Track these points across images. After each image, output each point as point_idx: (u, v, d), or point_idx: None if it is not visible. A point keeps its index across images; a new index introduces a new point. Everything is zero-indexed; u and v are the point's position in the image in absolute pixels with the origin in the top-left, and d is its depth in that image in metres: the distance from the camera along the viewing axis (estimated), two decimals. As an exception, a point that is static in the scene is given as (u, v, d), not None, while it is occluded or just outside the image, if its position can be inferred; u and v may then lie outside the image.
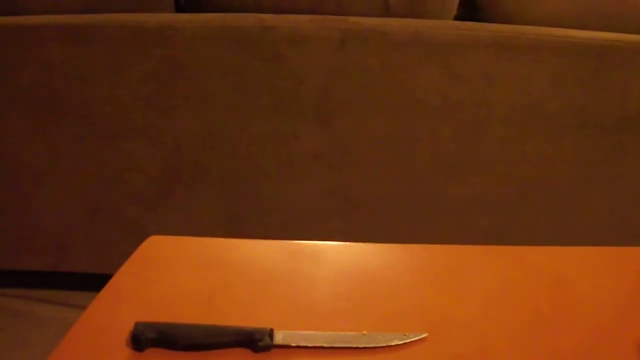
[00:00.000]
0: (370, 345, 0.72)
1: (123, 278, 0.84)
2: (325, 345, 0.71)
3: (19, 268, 1.78)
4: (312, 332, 0.73)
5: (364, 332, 0.74)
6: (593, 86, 1.52)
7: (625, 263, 0.94)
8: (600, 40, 1.49)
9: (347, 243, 0.94)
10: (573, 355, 0.72)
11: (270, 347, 0.71)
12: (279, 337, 0.72)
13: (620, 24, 1.55)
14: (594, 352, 0.73)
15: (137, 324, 0.71)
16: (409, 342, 0.73)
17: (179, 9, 1.59)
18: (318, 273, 0.87)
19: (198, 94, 1.54)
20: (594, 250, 0.97)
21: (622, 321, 0.79)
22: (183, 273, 0.86)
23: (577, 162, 1.59)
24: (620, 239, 1.67)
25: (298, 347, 0.71)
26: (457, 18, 1.59)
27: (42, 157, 1.61)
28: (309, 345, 0.71)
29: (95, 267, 1.74)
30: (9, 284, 1.85)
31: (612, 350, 0.74)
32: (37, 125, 1.58)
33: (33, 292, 1.83)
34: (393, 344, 0.72)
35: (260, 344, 0.70)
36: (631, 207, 1.64)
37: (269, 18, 1.49)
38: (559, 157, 1.58)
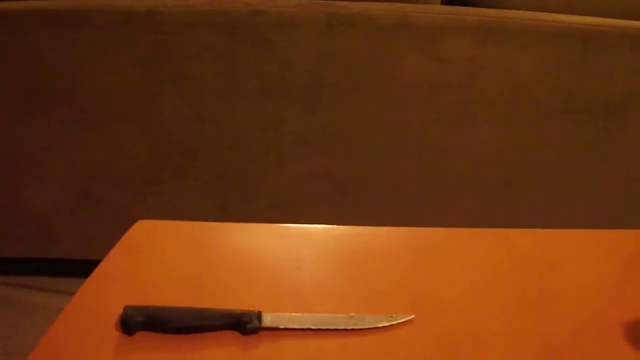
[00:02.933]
0: (358, 327, 0.73)
1: (112, 262, 0.84)
2: (313, 327, 0.72)
3: (7, 255, 1.77)
4: (300, 314, 0.74)
5: (352, 314, 0.74)
6: (579, 71, 1.53)
7: (611, 245, 0.95)
8: (586, 25, 1.50)
9: (335, 226, 0.95)
10: (560, 336, 0.73)
11: (258, 329, 0.71)
12: (267, 320, 0.72)
13: (607, 8, 1.56)
14: (580, 333, 0.74)
15: (126, 308, 0.72)
16: (396, 324, 0.74)
17: (166, -6, 1.59)
18: (306, 256, 0.88)
19: (186, 79, 1.53)
20: (581, 233, 0.98)
21: (609, 303, 0.80)
22: (172, 257, 0.86)
23: (564, 146, 1.60)
24: (606, 222, 1.69)
25: (286, 329, 0.72)
26: (444, 2, 1.59)
27: (29, 143, 1.61)
28: (297, 327, 0.72)
29: (83, 253, 1.74)
30: (-3, 271, 1.85)
31: (599, 332, 0.74)
32: (24, 112, 1.57)
33: (21, 279, 1.83)
34: (380, 325, 0.73)
35: (248, 326, 0.71)
36: (617, 190, 1.65)
37: (257, 3, 1.48)
38: (545, 141, 1.59)
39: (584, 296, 0.81)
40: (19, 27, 1.49)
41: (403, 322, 0.74)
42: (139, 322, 0.71)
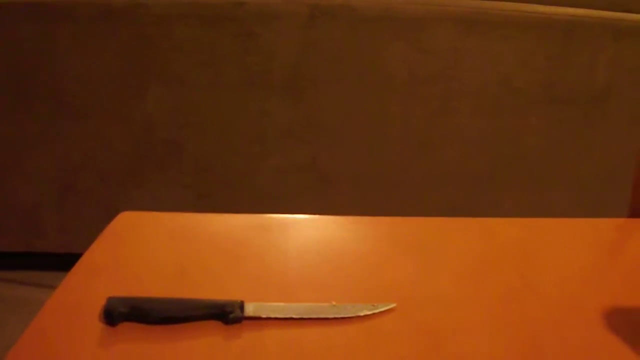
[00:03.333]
0: (340, 316, 0.73)
1: (95, 254, 0.84)
2: (295, 316, 0.72)
3: (-10, 249, 1.77)
4: (282, 303, 0.74)
5: (334, 303, 0.75)
6: (561, 62, 1.54)
7: (593, 234, 0.95)
8: (567, 16, 1.51)
9: (317, 216, 0.95)
10: (542, 324, 0.74)
11: (241, 318, 0.71)
12: (250, 309, 0.72)
13: (588, -1, 1.57)
14: (562, 321, 0.75)
15: (109, 299, 0.72)
16: (378, 313, 0.74)
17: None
18: (288, 246, 0.88)
19: (169, 71, 1.53)
20: (563, 222, 0.99)
21: (591, 291, 0.81)
22: (155, 248, 0.86)
23: (546, 137, 1.61)
24: (587, 212, 1.70)
25: (268, 318, 0.72)
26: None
27: (13, 136, 1.60)
28: (279, 316, 0.72)
29: (67, 247, 1.74)
30: (-19, 267, 1.84)
31: (581, 320, 0.75)
32: (7, 105, 1.56)
33: (5, 273, 1.82)
34: (362, 314, 0.73)
35: (231, 316, 0.71)
36: (598, 180, 1.67)
37: (239, -6, 1.49)
38: (527, 131, 1.60)
39: (566, 284, 0.82)
40: (2, 20, 1.49)
41: (385, 310, 0.74)
42: (123, 313, 0.71)
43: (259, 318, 0.72)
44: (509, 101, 1.56)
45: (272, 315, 0.72)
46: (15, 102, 1.56)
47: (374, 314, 0.74)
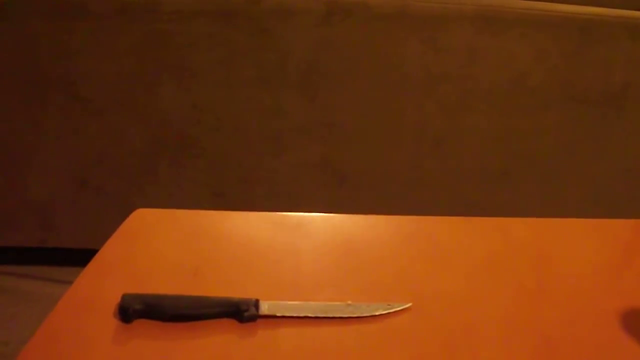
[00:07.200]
0: (355, 315, 0.73)
1: (110, 251, 0.85)
2: (310, 315, 0.72)
3: (5, 244, 1.77)
4: (297, 302, 0.74)
5: (349, 302, 0.75)
6: (577, 60, 1.53)
7: (607, 235, 0.95)
8: (583, 15, 1.50)
9: (332, 214, 0.95)
10: (555, 325, 0.74)
11: (255, 317, 0.71)
12: (265, 307, 0.72)
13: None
14: (576, 322, 0.75)
15: (124, 296, 0.72)
16: (393, 312, 0.74)
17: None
18: (303, 244, 0.88)
19: (184, 68, 1.53)
20: (577, 222, 0.99)
21: (604, 292, 0.81)
22: (170, 245, 0.86)
23: (561, 136, 1.60)
24: (602, 212, 1.69)
25: (283, 317, 0.72)
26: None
27: (28, 132, 1.61)
28: (294, 315, 0.72)
29: (81, 242, 1.74)
30: (-4, 260, 1.85)
31: (595, 321, 0.75)
32: (23, 101, 1.57)
33: (20, 268, 1.83)
34: (377, 313, 0.73)
35: (246, 314, 0.71)
36: (613, 180, 1.66)
37: (254, -9, 1.48)
38: (542, 131, 1.59)
39: (580, 285, 0.82)
40: (17, 16, 1.49)
41: (400, 310, 0.74)
42: (137, 309, 0.71)
43: (273, 316, 0.72)
44: (524, 100, 1.56)
45: (287, 314, 0.72)
46: (30, 98, 1.57)
47: (389, 313, 0.74)
